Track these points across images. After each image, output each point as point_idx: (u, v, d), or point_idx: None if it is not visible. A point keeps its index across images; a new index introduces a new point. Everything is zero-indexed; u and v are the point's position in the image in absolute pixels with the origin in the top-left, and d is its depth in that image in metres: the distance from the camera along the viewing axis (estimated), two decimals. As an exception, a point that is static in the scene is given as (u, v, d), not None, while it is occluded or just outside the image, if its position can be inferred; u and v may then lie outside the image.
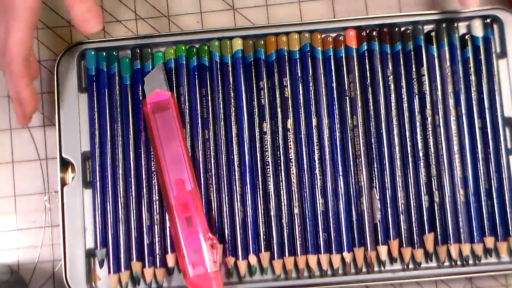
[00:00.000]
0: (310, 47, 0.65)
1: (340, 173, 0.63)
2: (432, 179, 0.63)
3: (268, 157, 0.64)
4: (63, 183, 0.64)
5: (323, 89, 0.65)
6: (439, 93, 0.64)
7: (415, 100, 0.64)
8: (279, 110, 0.64)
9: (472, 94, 0.64)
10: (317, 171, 0.63)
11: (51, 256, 0.66)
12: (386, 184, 0.63)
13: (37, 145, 0.67)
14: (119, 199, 0.63)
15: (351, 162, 0.64)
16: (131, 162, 0.64)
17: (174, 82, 0.65)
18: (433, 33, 0.65)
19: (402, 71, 0.65)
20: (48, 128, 0.67)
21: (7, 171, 0.67)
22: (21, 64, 0.58)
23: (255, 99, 0.65)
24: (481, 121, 0.64)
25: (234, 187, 0.63)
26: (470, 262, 0.63)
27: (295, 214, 0.63)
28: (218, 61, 0.65)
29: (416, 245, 0.63)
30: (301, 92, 0.64)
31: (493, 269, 0.63)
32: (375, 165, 0.63)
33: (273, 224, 0.63)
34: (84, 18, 0.56)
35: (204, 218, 0.62)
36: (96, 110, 0.65)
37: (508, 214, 0.63)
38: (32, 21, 0.57)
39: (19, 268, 0.66)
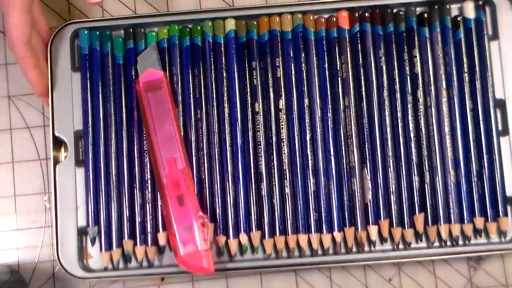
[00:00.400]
0: (303, 28, 0.65)
1: (332, 153, 0.64)
2: (423, 160, 0.63)
3: (260, 137, 0.64)
4: (56, 162, 0.65)
5: (315, 69, 0.65)
6: (431, 74, 0.64)
7: (407, 82, 0.64)
8: (271, 90, 0.65)
9: (464, 76, 0.64)
10: (308, 151, 0.64)
11: (51, 256, 0.66)
12: (377, 164, 0.63)
13: (37, 145, 0.67)
14: (111, 177, 0.64)
15: (343, 143, 0.64)
16: (124, 141, 0.64)
17: (167, 61, 0.65)
18: (425, 15, 0.65)
19: (394, 53, 0.65)
20: (48, 128, 0.67)
21: (7, 171, 0.67)
22: (23, 48, 0.60)
23: (248, 79, 0.65)
24: (472, 103, 0.64)
25: (226, 166, 0.64)
26: (460, 242, 0.63)
27: (286, 194, 0.63)
28: (211, 41, 0.65)
29: (406, 225, 0.63)
30: (293, 72, 0.65)
31: (481, 249, 0.64)
32: (366, 146, 0.64)
33: (264, 203, 0.63)
34: None
35: (195, 196, 0.62)
36: (89, 89, 0.65)
37: (498, 195, 0.63)
38: (26, 5, 0.59)
39: (19, 268, 0.66)
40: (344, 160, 0.64)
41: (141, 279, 0.65)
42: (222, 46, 0.65)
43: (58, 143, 0.65)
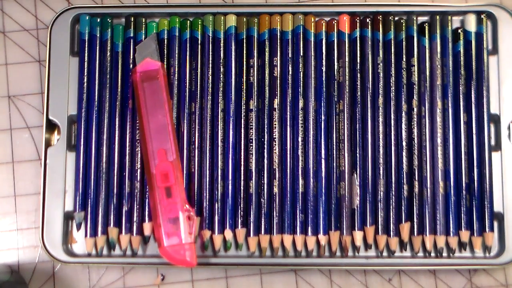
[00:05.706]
0: (303, 29, 0.65)
1: (323, 156, 0.64)
2: (414, 169, 0.63)
3: (252, 134, 0.64)
4: (48, 145, 0.65)
5: (312, 71, 0.65)
6: (427, 84, 0.64)
7: (402, 90, 0.64)
8: (267, 89, 0.65)
9: (460, 88, 0.64)
10: (299, 152, 0.64)
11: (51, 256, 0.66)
12: (367, 170, 0.63)
13: (37, 145, 0.67)
14: (102, 164, 0.64)
15: (334, 146, 0.64)
16: (116, 129, 0.64)
17: (165, 53, 0.65)
18: (426, 25, 0.65)
19: (392, 60, 0.65)
20: (48, 128, 0.68)
21: (7, 171, 0.67)
22: None
23: (244, 76, 0.65)
24: (466, 116, 0.64)
25: (216, 161, 0.64)
26: (444, 254, 0.63)
27: (274, 193, 0.63)
28: (210, 35, 0.65)
29: (391, 233, 0.63)
30: (290, 73, 0.65)
31: (465, 263, 0.64)
32: (357, 151, 0.64)
33: (252, 201, 0.63)
34: None
35: (183, 189, 0.62)
36: (86, 74, 0.65)
37: (486, 210, 0.63)
38: None
39: (19, 268, 0.66)
40: (334, 164, 0.64)
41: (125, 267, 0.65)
42: (222, 41, 0.65)
43: (52, 126, 0.65)
